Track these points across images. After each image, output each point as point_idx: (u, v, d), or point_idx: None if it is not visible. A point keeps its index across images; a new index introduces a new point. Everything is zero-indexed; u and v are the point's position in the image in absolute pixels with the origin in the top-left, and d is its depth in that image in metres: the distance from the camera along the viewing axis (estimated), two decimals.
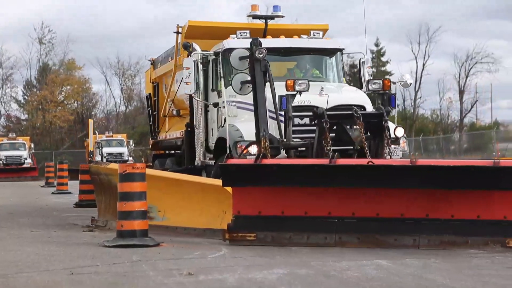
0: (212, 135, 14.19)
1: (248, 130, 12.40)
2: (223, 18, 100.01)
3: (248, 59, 11.69)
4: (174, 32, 15.29)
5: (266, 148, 10.98)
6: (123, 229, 9.85)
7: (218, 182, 10.37)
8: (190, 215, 11.11)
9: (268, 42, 13.43)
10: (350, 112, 11.49)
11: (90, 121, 32.93)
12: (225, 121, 13.29)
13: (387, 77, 53.67)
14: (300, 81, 11.66)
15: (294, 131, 11.81)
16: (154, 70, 18.57)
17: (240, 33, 13.66)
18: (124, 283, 7.25)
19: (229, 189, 10.03)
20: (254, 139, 11.81)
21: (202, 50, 14.21)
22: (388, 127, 11.72)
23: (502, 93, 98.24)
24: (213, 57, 14.19)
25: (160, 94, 18.03)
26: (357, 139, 11.42)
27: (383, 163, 9.78)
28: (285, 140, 11.62)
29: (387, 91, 11.97)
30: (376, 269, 7.81)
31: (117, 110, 75.06)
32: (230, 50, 13.07)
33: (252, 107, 11.98)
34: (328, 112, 11.48)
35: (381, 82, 12.01)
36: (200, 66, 13.99)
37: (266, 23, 15.07)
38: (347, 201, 9.49)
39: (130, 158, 46.62)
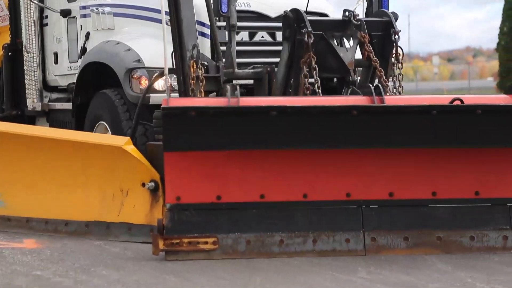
0: (56, 62, 9.16)
1: (145, 49, 7.66)
2: None
3: None
4: None
5: (200, 79, 6.27)
6: None
7: (103, 138, 6.33)
8: (54, 196, 6.28)
9: None
10: (345, 18, 6.71)
11: None
12: (87, 37, 8.57)
13: None
14: None
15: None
16: None
17: None
18: None
19: (134, 151, 5.68)
20: (159, 65, 6.77)
21: None
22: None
23: None
24: None
25: None
26: (352, 64, 6.72)
27: (482, 102, 5.37)
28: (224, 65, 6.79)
29: None
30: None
31: None
32: None
33: (139, 13, 7.95)
34: (310, 18, 6.56)
35: None
36: None
37: None
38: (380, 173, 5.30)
39: None
